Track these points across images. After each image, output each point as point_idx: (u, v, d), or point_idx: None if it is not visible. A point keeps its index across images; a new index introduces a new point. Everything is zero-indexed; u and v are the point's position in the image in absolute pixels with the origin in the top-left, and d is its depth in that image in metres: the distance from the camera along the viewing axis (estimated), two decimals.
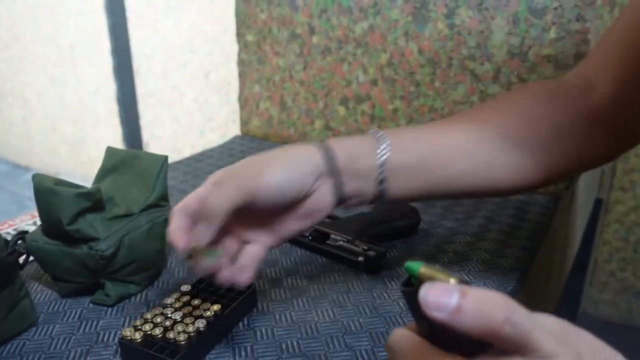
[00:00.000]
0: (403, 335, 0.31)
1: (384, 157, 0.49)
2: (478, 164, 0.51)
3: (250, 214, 0.47)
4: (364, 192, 0.50)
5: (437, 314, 0.27)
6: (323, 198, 0.48)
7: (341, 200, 0.49)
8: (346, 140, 0.50)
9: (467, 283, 0.28)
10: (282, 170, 0.46)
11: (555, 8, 0.77)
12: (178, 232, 0.46)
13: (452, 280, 0.28)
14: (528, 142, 0.52)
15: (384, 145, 0.49)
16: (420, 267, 0.30)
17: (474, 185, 0.52)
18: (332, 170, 0.48)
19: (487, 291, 0.27)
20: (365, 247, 0.61)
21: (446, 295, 0.27)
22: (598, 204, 1.58)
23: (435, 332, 0.29)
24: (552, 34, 0.79)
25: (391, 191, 0.50)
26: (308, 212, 0.49)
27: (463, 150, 0.51)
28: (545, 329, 0.27)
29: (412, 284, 0.30)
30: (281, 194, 0.46)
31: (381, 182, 0.49)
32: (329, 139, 0.50)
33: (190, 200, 0.48)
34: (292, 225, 0.49)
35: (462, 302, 0.26)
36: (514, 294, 0.58)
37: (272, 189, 0.45)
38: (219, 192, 0.45)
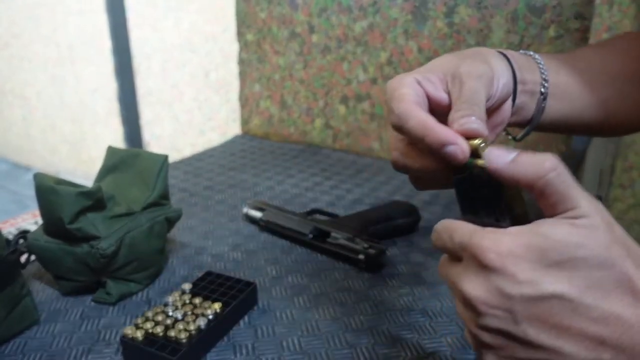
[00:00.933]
0: (452, 222, 0.33)
1: (546, 73, 0.48)
2: (623, 92, 0.52)
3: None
4: (526, 109, 0.48)
5: (497, 163, 0.31)
6: (507, 107, 0.45)
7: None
8: (510, 52, 0.47)
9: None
10: (505, 69, 0.43)
11: (554, 6, 0.77)
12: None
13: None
14: None
15: (542, 64, 0.48)
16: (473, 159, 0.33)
17: (616, 116, 0.53)
18: (515, 79, 0.45)
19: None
20: (365, 245, 0.62)
21: (505, 152, 0.31)
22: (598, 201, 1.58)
23: (479, 210, 0.33)
24: (551, 32, 0.79)
25: (549, 110, 0.49)
26: (494, 124, 0.45)
27: (612, 75, 0.52)
28: (582, 191, 0.30)
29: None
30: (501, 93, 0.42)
31: (544, 98, 0.48)
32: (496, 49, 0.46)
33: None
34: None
35: (518, 155, 0.31)
36: None
37: (501, 85, 0.42)
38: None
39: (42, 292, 0.58)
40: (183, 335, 0.46)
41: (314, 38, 1.03)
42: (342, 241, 0.64)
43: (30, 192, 0.54)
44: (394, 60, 0.94)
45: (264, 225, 0.72)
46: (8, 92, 2.94)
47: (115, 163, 0.62)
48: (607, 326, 0.27)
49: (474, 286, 0.30)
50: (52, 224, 0.53)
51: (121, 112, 2.38)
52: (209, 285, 0.55)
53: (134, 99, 2.31)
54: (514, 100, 0.46)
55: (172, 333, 0.47)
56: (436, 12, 0.88)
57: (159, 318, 0.49)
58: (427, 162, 0.38)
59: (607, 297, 0.28)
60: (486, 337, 0.30)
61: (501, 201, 0.32)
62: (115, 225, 0.54)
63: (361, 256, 0.61)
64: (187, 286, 0.54)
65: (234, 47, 1.17)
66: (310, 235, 0.66)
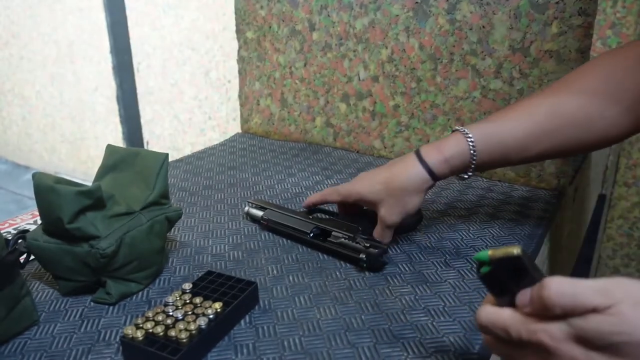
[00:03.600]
0: (493, 311, 0.38)
1: (475, 157, 0.59)
2: (562, 140, 0.59)
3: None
4: (452, 176, 0.62)
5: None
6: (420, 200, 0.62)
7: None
8: (440, 146, 0.60)
9: (525, 252, 0.37)
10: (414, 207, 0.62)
11: (557, 2, 0.77)
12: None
13: (515, 251, 0.37)
14: (618, 94, 0.57)
15: (472, 144, 0.59)
16: (488, 252, 0.38)
17: (558, 152, 0.62)
18: (434, 181, 0.61)
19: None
20: (367, 244, 0.61)
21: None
22: (601, 199, 1.57)
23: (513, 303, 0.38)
24: (554, 28, 0.78)
25: (476, 171, 0.62)
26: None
27: (543, 133, 0.59)
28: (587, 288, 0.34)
29: (482, 269, 0.39)
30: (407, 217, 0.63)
31: (472, 170, 0.61)
32: (422, 148, 0.61)
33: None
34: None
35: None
36: None
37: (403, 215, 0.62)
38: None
39: (42, 293, 0.58)
40: (184, 335, 0.46)
41: (315, 36, 1.03)
42: (343, 240, 0.63)
43: (30, 192, 0.54)
44: (395, 57, 0.94)
45: (265, 224, 0.72)
46: (7, 92, 2.94)
47: (115, 162, 0.62)
48: None
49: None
50: (52, 224, 0.52)
51: (121, 111, 2.37)
52: (209, 284, 0.54)
53: (133, 97, 2.31)
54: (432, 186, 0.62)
55: (172, 333, 0.46)
56: (438, 9, 0.87)
57: (160, 318, 0.48)
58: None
59: None
60: None
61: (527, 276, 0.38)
62: (115, 225, 0.54)
63: (362, 255, 0.61)
64: (187, 286, 0.54)
65: (234, 45, 1.17)
66: (311, 235, 0.66)
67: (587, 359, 0.33)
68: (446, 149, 0.60)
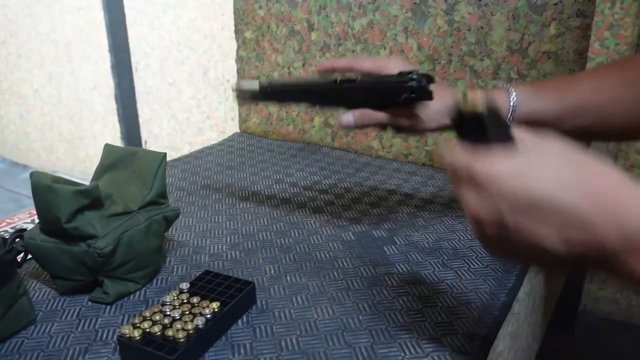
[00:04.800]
0: (456, 151, 0.40)
1: (513, 115, 0.58)
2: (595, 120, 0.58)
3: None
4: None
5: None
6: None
7: None
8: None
9: (493, 110, 0.39)
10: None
11: (555, 4, 0.77)
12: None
13: (481, 107, 0.39)
14: None
15: (514, 101, 0.58)
16: (461, 104, 0.40)
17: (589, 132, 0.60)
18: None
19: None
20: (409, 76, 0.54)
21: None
22: None
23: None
24: (552, 30, 0.78)
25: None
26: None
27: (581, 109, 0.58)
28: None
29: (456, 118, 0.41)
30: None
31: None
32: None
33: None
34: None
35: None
36: (514, 291, 0.58)
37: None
38: None
39: (39, 292, 0.58)
40: (181, 335, 0.46)
41: (313, 36, 1.03)
42: (372, 80, 0.56)
43: (27, 191, 0.54)
44: None
45: (267, 92, 0.61)
46: (5, 90, 2.93)
47: (113, 161, 0.62)
48: (573, 227, 0.34)
49: (475, 204, 0.37)
50: (49, 223, 0.52)
51: (119, 110, 2.37)
52: (207, 284, 0.54)
53: (132, 96, 2.30)
54: None
55: (170, 332, 0.46)
56: (436, 10, 0.87)
57: (157, 317, 0.48)
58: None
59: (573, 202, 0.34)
60: (488, 240, 0.38)
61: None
62: (112, 224, 0.54)
63: (412, 79, 0.53)
64: (185, 285, 0.54)
65: (232, 45, 1.17)
66: (337, 81, 0.57)
67: (518, 194, 0.35)
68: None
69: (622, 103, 0.58)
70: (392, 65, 0.60)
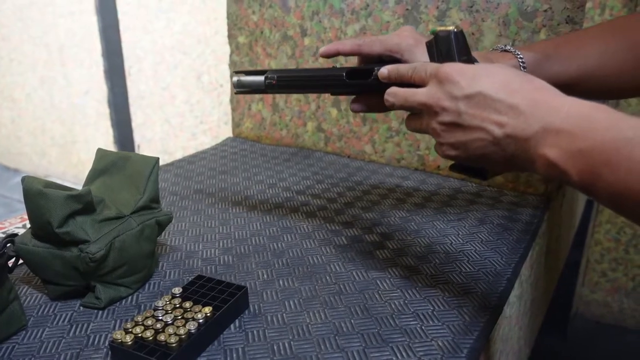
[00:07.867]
0: (399, 68, 0.52)
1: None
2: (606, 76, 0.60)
3: None
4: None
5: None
6: None
7: None
8: (488, 56, 0.61)
9: (457, 34, 0.51)
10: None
11: (545, 10, 0.78)
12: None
13: (443, 30, 0.51)
14: None
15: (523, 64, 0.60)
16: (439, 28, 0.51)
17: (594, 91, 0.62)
18: None
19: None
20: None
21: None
22: (589, 204, 1.59)
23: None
24: (542, 36, 0.79)
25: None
26: None
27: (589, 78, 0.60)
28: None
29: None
30: None
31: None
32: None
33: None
34: None
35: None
36: (505, 295, 0.58)
37: None
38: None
39: (30, 297, 0.57)
40: (173, 340, 0.46)
41: (306, 41, 1.03)
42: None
43: (19, 196, 0.53)
44: None
45: (273, 84, 0.60)
46: None
47: (106, 166, 0.62)
48: (508, 112, 0.43)
49: (431, 95, 0.47)
50: (41, 228, 0.52)
51: (111, 114, 2.36)
52: (199, 289, 0.54)
53: (125, 101, 2.30)
54: None
55: (162, 337, 0.46)
56: (428, 16, 0.88)
57: (149, 322, 0.48)
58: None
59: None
60: (440, 128, 0.47)
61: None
62: (104, 229, 0.54)
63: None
64: (177, 290, 0.54)
65: (225, 50, 1.17)
66: (345, 75, 0.55)
67: (469, 84, 0.45)
68: (495, 61, 0.59)
69: (629, 68, 0.59)
70: (404, 46, 0.58)
